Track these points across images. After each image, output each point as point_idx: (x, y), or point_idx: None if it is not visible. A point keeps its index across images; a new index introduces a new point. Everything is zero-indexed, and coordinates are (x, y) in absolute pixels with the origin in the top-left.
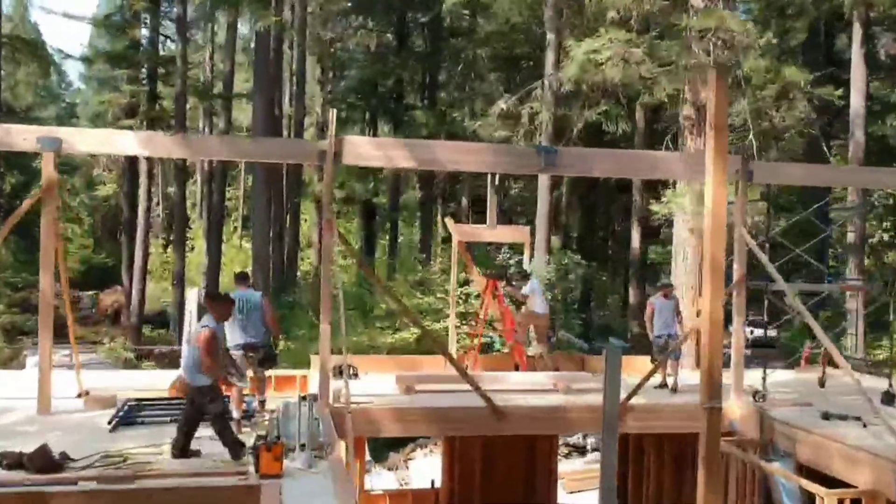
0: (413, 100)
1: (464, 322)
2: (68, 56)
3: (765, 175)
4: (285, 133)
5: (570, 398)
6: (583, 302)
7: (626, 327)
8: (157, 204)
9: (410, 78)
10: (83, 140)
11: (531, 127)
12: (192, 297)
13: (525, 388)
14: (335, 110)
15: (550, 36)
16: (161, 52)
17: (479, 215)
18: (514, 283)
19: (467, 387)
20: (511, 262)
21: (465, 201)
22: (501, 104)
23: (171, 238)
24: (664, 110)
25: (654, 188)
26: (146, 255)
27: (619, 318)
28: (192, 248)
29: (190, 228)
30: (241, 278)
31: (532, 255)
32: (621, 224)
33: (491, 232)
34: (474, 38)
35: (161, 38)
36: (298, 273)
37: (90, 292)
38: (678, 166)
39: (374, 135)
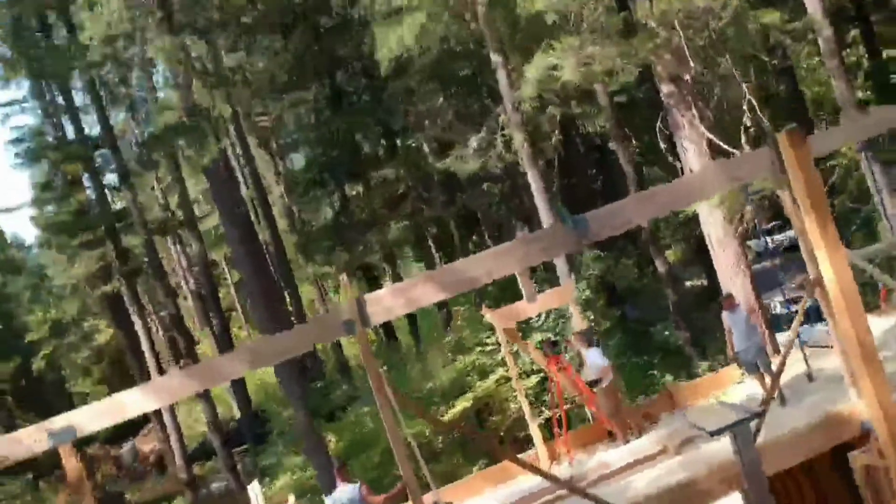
0: (374, 151)
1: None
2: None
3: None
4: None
5: (689, 458)
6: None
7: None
8: (157, 331)
9: (364, 136)
10: (94, 417)
11: (508, 158)
12: (256, 488)
13: (633, 459)
14: (344, 276)
15: (496, 58)
16: (113, 204)
17: (496, 240)
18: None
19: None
20: (555, 327)
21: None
22: (474, 143)
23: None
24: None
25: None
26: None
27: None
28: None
29: (197, 343)
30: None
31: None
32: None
33: (533, 306)
34: (412, 74)
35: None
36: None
37: (126, 444)
38: (715, 181)
39: (346, 204)
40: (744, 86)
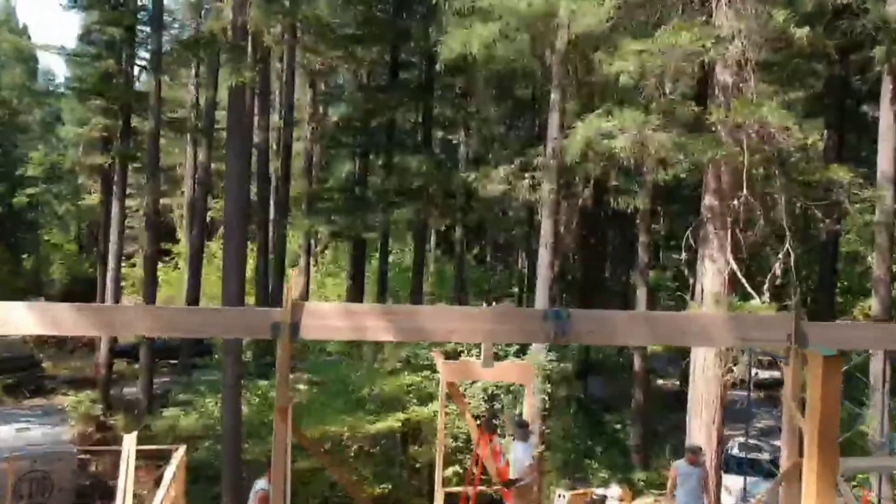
0: (407, 139)
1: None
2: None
3: (824, 337)
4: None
5: None
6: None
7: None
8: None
9: (403, 116)
10: None
11: (532, 197)
12: None
13: None
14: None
15: (555, 96)
16: (137, 87)
17: (497, 259)
18: (512, 434)
19: None
20: (503, 403)
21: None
22: (502, 171)
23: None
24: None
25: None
26: (118, 277)
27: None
28: (177, 266)
29: (177, 242)
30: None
31: (532, 400)
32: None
33: (489, 371)
34: (473, 75)
35: (139, 70)
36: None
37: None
38: (722, 335)
39: (365, 174)
40: (788, 234)
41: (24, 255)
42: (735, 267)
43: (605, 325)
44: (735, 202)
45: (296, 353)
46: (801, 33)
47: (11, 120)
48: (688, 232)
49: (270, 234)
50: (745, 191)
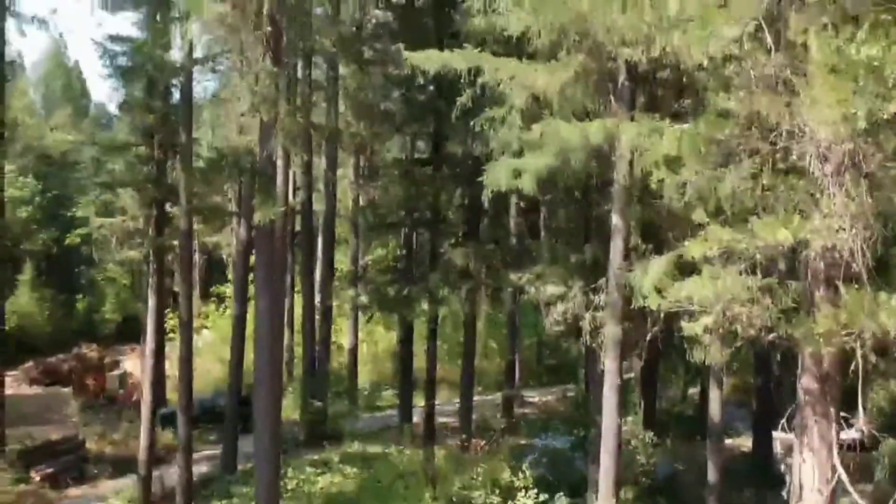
0: (451, 228)
1: None
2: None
3: None
4: None
5: None
6: None
7: None
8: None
9: (448, 200)
10: None
11: (595, 342)
12: None
13: None
14: None
15: (616, 220)
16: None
17: None
18: None
19: None
20: None
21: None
22: (560, 308)
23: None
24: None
25: None
26: (161, 319)
27: None
28: (225, 310)
29: (228, 281)
30: None
31: None
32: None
33: None
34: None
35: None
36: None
37: (121, 365)
38: None
39: (408, 263)
40: None
41: (79, 297)
42: (840, 467)
43: None
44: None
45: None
46: None
47: (63, 159)
48: (783, 420)
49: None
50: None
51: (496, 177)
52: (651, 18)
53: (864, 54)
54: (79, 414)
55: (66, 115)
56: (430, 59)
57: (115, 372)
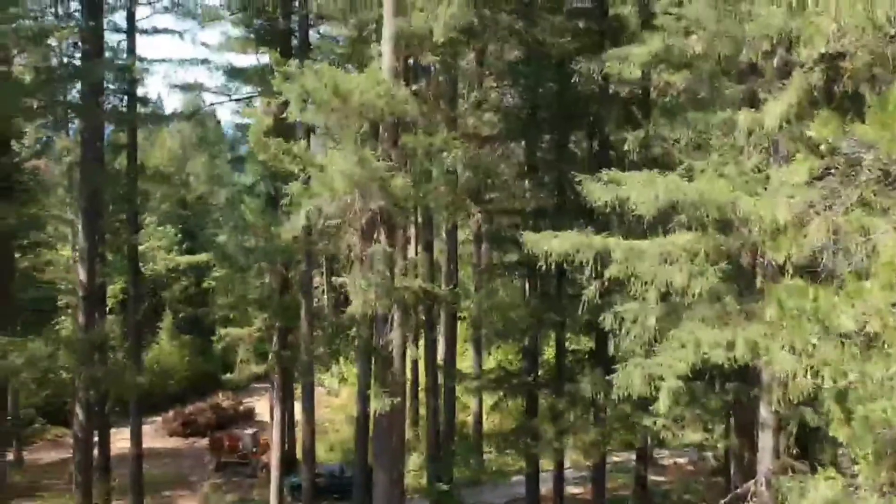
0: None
1: None
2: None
3: None
4: None
5: None
6: None
7: None
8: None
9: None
10: None
11: None
12: None
13: None
14: None
15: (766, 414)
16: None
17: None
18: None
19: None
20: None
21: None
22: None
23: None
24: None
25: None
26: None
27: None
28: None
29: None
30: None
31: None
32: None
33: None
34: None
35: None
36: None
37: (251, 426)
38: None
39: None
40: None
41: (214, 338)
42: None
43: None
44: None
45: None
46: None
47: (199, 204)
48: None
49: None
50: None
51: (628, 381)
52: None
53: None
54: (211, 478)
55: (202, 162)
56: None
57: (248, 430)
